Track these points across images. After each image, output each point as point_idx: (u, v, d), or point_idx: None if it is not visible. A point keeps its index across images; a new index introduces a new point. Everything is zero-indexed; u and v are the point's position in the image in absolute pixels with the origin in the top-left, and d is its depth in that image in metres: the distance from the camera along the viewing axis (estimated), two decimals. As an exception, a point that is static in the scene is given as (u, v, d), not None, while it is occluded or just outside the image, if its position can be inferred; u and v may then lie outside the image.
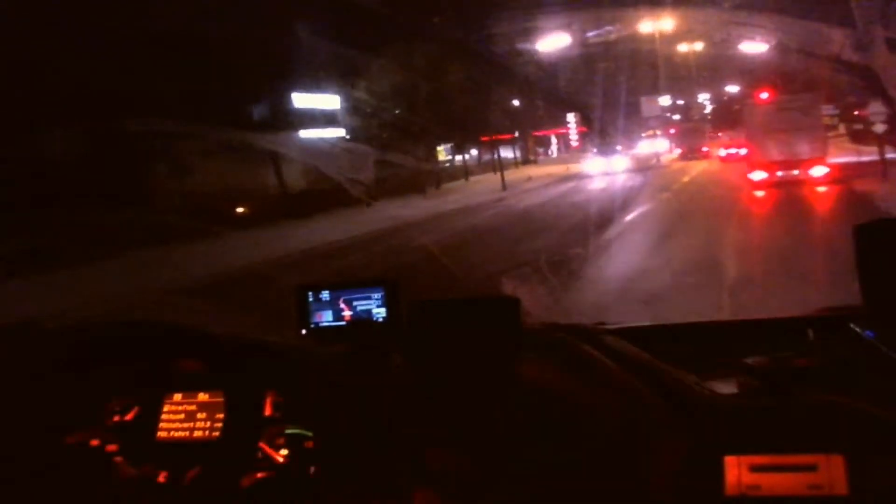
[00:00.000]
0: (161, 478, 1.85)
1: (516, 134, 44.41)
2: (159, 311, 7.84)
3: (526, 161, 46.76)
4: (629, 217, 15.29)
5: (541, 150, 53.40)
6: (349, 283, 1.98)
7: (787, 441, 1.41)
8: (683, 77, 42.33)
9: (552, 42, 29.57)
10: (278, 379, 1.91)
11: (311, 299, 1.99)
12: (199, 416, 1.95)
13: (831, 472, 1.35)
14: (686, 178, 26.30)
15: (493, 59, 28.67)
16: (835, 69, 18.55)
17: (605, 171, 29.64)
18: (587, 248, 10.83)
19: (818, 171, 18.07)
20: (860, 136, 26.90)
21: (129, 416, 2.01)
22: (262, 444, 1.85)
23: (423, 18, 25.49)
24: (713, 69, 41.89)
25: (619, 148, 34.16)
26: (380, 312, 1.93)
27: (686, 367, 1.74)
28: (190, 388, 1.99)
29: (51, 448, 1.93)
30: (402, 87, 26.71)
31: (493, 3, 26.10)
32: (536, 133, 50.51)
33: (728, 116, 44.14)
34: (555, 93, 39.14)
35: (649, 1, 27.03)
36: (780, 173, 18.34)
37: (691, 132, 41.71)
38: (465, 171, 35.31)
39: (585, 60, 33.85)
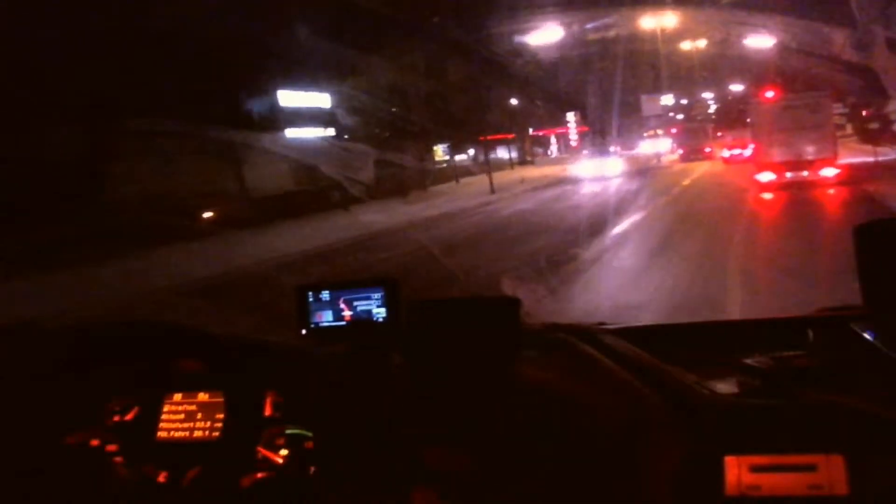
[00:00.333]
0: (161, 478, 1.86)
1: (513, 134, 43.66)
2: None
3: (523, 161, 45.83)
4: (617, 229, 13.53)
5: (540, 150, 52.63)
6: (349, 283, 1.98)
7: (787, 441, 1.41)
8: (686, 76, 41.88)
9: (551, 40, 29.11)
10: (278, 379, 1.91)
11: (311, 299, 2.00)
12: (198, 416, 1.95)
13: (831, 472, 1.34)
14: (686, 181, 24.56)
15: (490, 58, 28.06)
16: (835, 69, 18.40)
17: (598, 174, 27.77)
18: (560, 275, 9.06)
19: (828, 172, 17.21)
20: (870, 136, 26.05)
21: (129, 416, 2.01)
22: (261, 445, 1.85)
23: (419, 16, 24.85)
24: (716, 68, 41.22)
25: (613, 149, 32.21)
26: (380, 312, 1.94)
27: (686, 367, 1.74)
28: (190, 389, 2.00)
29: (51, 448, 1.93)
30: (395, 85, 26.16)
31: (491, 1, 25.62)
32: (536, 133, 49.72)
33: (732, 116, 42.75)
34: (554, 92, 38.39)
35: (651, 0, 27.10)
36: (788, 174, 17.52)
37: (693, 132, 39.99)
38: (455, 173, 33.44)
39: (585, 59, 33.42)
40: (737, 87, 46.41)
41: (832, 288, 5.65)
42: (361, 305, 1.95)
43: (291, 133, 24.98)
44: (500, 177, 29.51)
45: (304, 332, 1.99)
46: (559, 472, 1.51)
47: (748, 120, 30.00)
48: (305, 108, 25.70)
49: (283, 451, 1.83)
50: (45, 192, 13.81)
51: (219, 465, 1.84)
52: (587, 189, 24.21)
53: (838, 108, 26.09)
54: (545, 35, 28.44)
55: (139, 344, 2.06)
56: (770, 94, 20.16)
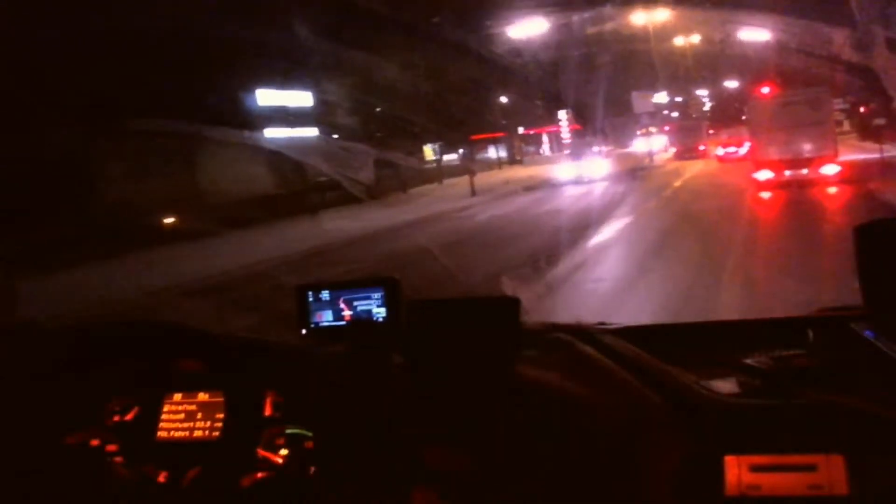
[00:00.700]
0: (161, 478, 1.86)
1: (503, 133, 42.54)
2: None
3: (513, 161, 44.49)
4: (596, 240, 11.99)
5: (532, 148, 51.08)
6: (349, 283, 1.98)
7: (787, 441, 1.41)
8: (682, 74, 40.86)
9: (541, 36, 28.23)
10: (278, 379, 1.91)
11: (311, 299, 2.00)
12: (198, 416, 1.95)
13: (831, 472, 1.35)
14: (678, 182, 23.20)
15: (479, 55, 27.33)
16: (835, 69, 18.23)
17: (584, 175, 25.73)
18: (529, 293, 7.59)
19: (829, 169, 16.66)
20: (872, 133, 25.37)
21: (129, 416, 2.01)
22: (261, 445, 1.85)
23: (404, 12, 23.98)
24: (712, 65, 40.15)
25: (598, 148, 29.79)
26: (380, 312, 1.93)
27: (686, 367, 1.74)
28: (190, 388, 2.00)
29: (51, 448, 1.93)
30: (380, 83, 25.34)
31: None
32: (528, 131, 48.14)
33: (728, 113, 41.94)
34: (545, 90, 37.24)
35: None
36: (787, 172, 16.94)
37: (687, 130, 38.68)
38: (440, 174, 31.80)
39: (576, 55, 32.03)
40: (732, 85, 45.37)
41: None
42: (361, 305, 1.95)
43: (271, 133, 23.98)
44: (485, 178, 28.67)
45: (304, 331, 1.99)
46: (559, 472, 1.51)
47: (744, 117, 29.07)
48: (285, 106, 24.89)
49: (283, 451, 1.83)
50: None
51: (219, 465, 1.84)
52: (571, 192, 22.64)
53: (837, 105, 25.54)
54: (535, 31, 27.55)
55: (139, 344, 2.06)
56: (768, 90, 20.08)
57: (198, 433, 1.93)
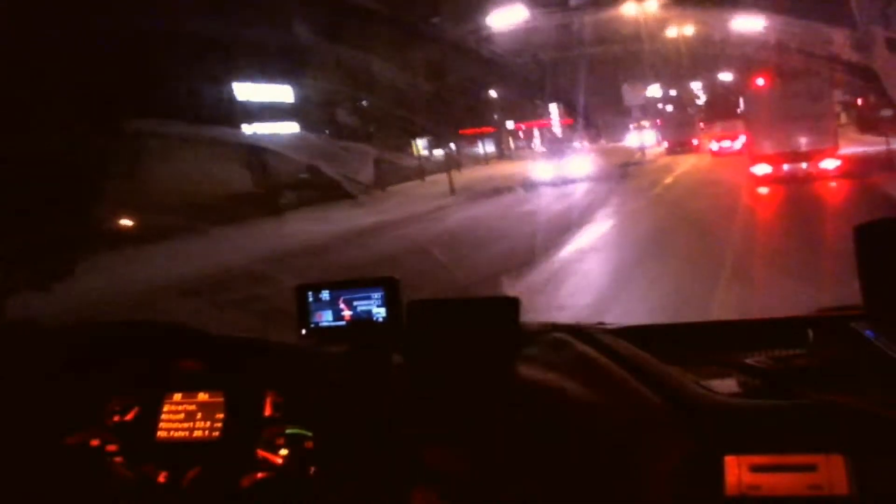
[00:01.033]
0: (161, 478, 1.86)
1: (489, 128, 40.93)
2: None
3: (502, 156, 43.14)
4: (572, 248, 10.85)
5: (523, 144, 49.45)
6: (349, 283, 1.98)
7: (787, 441, 1.41)
8: (676, 66, 39.41)
9: (529, 27, 27.22)
10: (278, 379, 1.91)
11: (311, 299, 2.00)
12: (198, 416, 1.95)
13: (831, 472, 1.35)
14: (669, 179, 21.67)
15: (466, 47, 26.42)
16: (835, 68, 17.90)
17: (562, 174, 23.28)
18: None
19: (829, 163, 15.88)
20: (874, 125, 24.81)
21: (129, 417, 2.01)
22: (261, 445, 1.85)
23: (386, 3, 22.88)
24: (708, 58, 38.81)
25: (579, 144, 27.45)
26: (380, 312, 1.94)
27: (686, 366, 1.75)
28: (190, 389, 2.00)
29: (51, 448, 1.93)
30: (364, 76, 24.53)
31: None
32: (519, 126, 46.63)
33: (722, 105, 39.22)
34: (534, 83, 35.57)
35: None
36: (785, 167, 16.21)
37: (679, 123, 36.84)
38: (423, 170, 29.57)
39: (568, 48, 31.03)
40: (728, 78, 43.42)
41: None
42: (361, 305, 1.95)
43: (248, 128, 23.04)
44: (470, 174, 27.76)
45: (304, 331, 2.00)
46: (559, 473, 1.52)
47: (738, 110, 27.83)
48: (263, 101, 23.70)
49: (283, 451, 1.83)
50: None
51: (219, 465, 1.84)
52: (550, 192, 20.56)
53: (839, 95, 24.75)
54: (523, 22, 26.87)
55: (139, 344, 2.06)
56: (760, 81, 18.85)
57: (198, 433, 1.93)
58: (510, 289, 7.86)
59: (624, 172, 25.15)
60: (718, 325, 2.20)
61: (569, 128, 39.38)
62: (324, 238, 14.83)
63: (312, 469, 1.75)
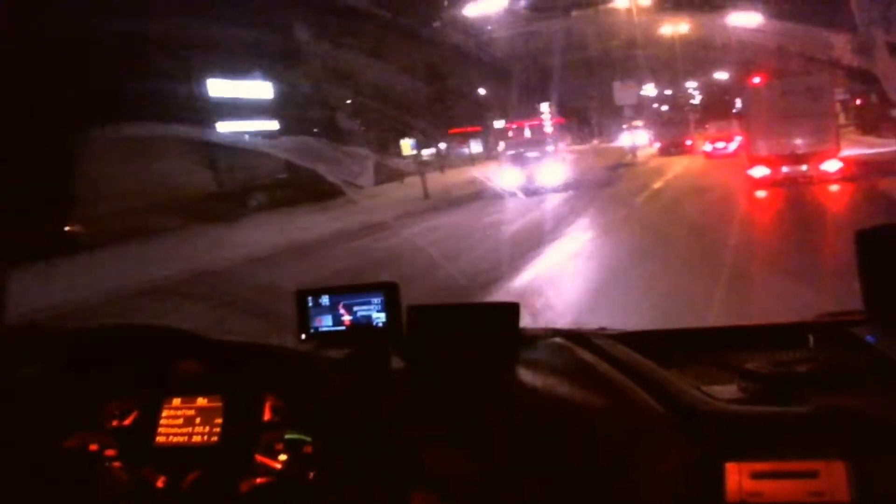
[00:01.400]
0: (160, 483, 1.85)
1: (477, 128, 39.19)
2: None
3: (490, 157, 40.70)
4: (532, 272, 9.35)
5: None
6: (349, 288, 1.98)
7: (788, 447, 1.41)
8: (671, 65, 39.36)
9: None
10: (277, 383, 1.91)
11: (310, 304, 2.00)
12: (197, 420, 1.95)
13: (832, 478, 1.34)
14: (658, 184, 20.05)
15: (453, 44, 25.87)
16: (835, 71, 17.66)
17: (539, 179, 20.51)
18: None
19: (830, 166, 15.10)
20: (871, 127, 24.64)
21: (127, 421, 2.00)
22: (260, 450, 1.85)
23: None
24: (705, 58, 38.50)
25: (550, 148, 23.76)
26: (379, 317, 1.93)
27: (686, 372, 1.75)
28: (189, 393, 1.99)
29: (49, 452, 1.93)
30: (347, 73, 23.81)
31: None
32: (509, 125, 45.28)
33: (718, 105, 38.66)
34: (523, 81, 34.32)
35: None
36: (784, 169, 15.38)
37: (672, 123, 35.60)
38: (401, 172, 27.73)
39: (559, 45, 30.60)
40: (724, 77, 42.55)
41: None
42: (361, 310, 1.95)
43: (224, 127, 22.02)
44: (452, 176, 26.53)
45: (303, 336, 2.00)
46: (558, 478, 1.51)
47: (734, 110, 27.90)
48: (242, 98, 22.56)
49: (282, 456, 1.83)
50: None
51: (217, 470, 1.84)
52: (526, 199, 18.52)
53: (840, 94, 23.85)
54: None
55: (138, 348, 2.06)
56: (763, 78, 18.11)
57: (196, 438, 1.93)
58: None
59: (610, 176, 23.61)
60: (719, 330, 2.20)
61: (562, 127, 38.68)
62: (264, 251, 13.35)
63: (312, 474, 1.75)
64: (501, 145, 33.82)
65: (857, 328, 1.68)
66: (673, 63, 39.00)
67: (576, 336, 1.84)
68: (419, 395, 1.73)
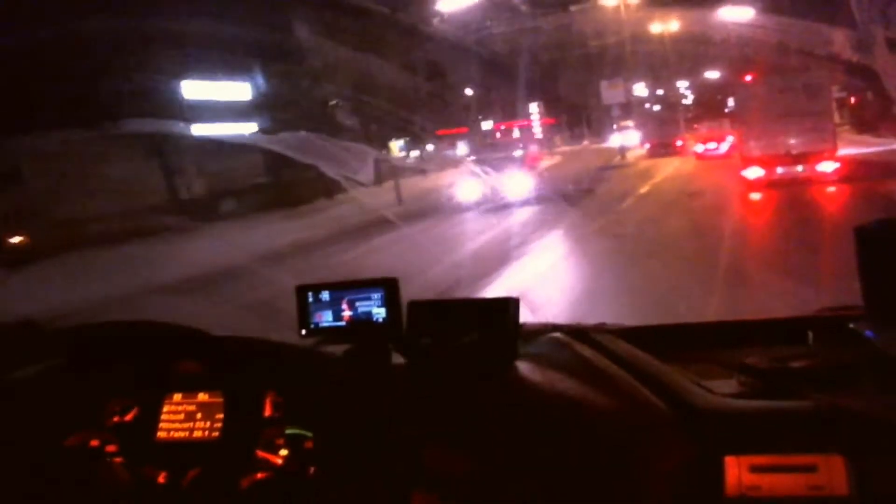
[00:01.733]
0: (161, 478, 1.86)
1: (463, 129, 37.21)
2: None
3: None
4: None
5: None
6: (349, 284, 1.98)
7: (787, 442, 1.42)
8: (662, 64, 38.53)
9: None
10: (278, 379, 1.91)
11: (311, 300, 2.00)
12: (198, 416, 1.95)
13: (831, 472, 1.35)
14: (645, 188, 18.67)
15: (441, 43, 25.08)
16: (834, 68, 17.48)
17: (516, 184, 18.33)
18: None
19: (827, 166, 14.60)
20: (867, 126, 24.05)
21: (128, 417, 2.01)
22: (261, 445, 1.85)
23: None
24: (698, 56, 37.26)
25: (518, 152, 21.38)
26: (380, 313, 1.93)
27: (686, 367, 1.75)
28: (189, 389, 1.99)
29: (51, 449, 1.93)
30: (331, 71, 22.97)
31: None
32: (498, 126, 42.56)
33: (710, 104, 37.90)
34: (514, 82, 33.65)
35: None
36: (779, 170, 14.79)
37: (662, 123, 33.87)
38: (379, 176, 25.63)
39: (550, 44, 30.44)
40: (716, 75, 41.42)
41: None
42: (362, 306, 1.94)
43: (201, 130, 20.56)
44: (433, 179, 24.98)
45: (303, 332, 2.00)
46: (559, 474, 1.52)
47: (726, 109, 27.28)
48: (218, 101, 21.37)
49: (283, 452, 1.83)
50: None
51: (218, 466, 1.84)
52: (500, 208, 16.67)
53: (837, 92, 23.26)
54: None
55: (139, 344, 2.06)
56: (757, 74, 17.82)
57: (197, 434, 1.93)
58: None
59: (594, 179, 22.05)
60: (718, 325, 2.21)
61: (551, 128, 37.85)
62: (182, 274, 11.48)
63: (312, 469, 1.75)
64: (461, 147, 32.34)
65: (857, 324, 1.69)
66: (665, 62, 38.28)
67: (576, 331, 1.85)
68: (419, 390, 1.74)
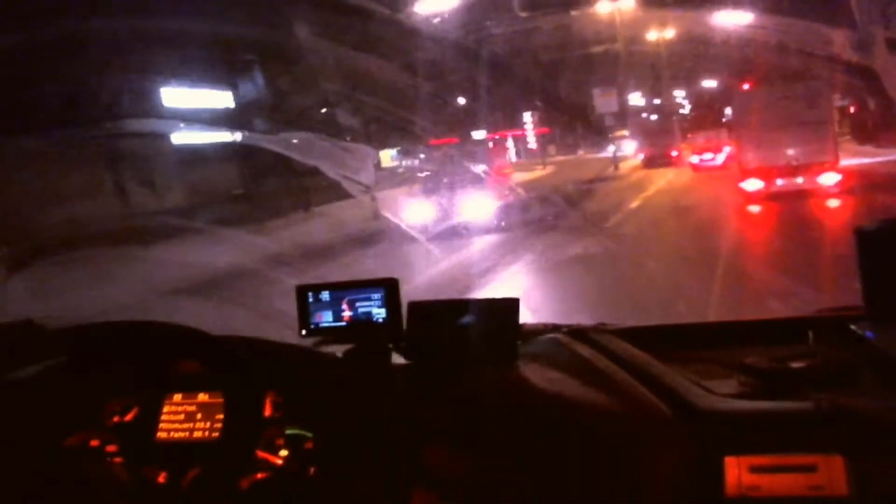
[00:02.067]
0: (161, 478, 1.85)
1: (447, 139, 34.86)
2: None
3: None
4: None
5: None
6: (349, 284, 1.98)
7: (787, 442, 1.42)
8: (658, 72, 37.76)
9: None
10: (278, 379, 1.91)
11: (311, 300, 2.00)
12: (198, 416, 1.95)
13: (831, 472, 1.35)
14: (636, 202, 17.34)
15: (432, 49, 23.78)
16: (834, 69, 17.28)
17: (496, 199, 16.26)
18: None
19: (829, 178, 14.02)
20: (868, 136, 23.48)
21: (128, 417, 2.00)
22: (261, 445, 1.85)
23: None
24: (695, 64, 36.19)
25: (481, 168, 19.04)
26: (380, 313, 1.94)
27: (686, 367, 1.75)
28: (190, 389, 1.99)
29: (51, 449, 1.93)
30: (317, 79, 21.77)
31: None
32: (492, 135, 40.14)
33: (706, 114, 37.05)
34: (503, 90, 32.47)
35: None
36: (779, 182, 14.19)
37: (657, 133, 32.92)
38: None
39: (545, 52, 29.59)
40: (713, 84, 40.81)
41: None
42: (362, 306, 1.95)
43: (180, 138, 19.50)
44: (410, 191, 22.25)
45: (304, 332, 2.00)
46: (559, 474, 1.52)
47: (724, 119, 26.88)
48: (199, 108, 19.95)
49: (283, 452, 1.83)
50: None
51: (218, 466, 1.84)
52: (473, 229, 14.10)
53: (838, 101, 22.59)
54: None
55: (139, 344, 2.06)
56: (756, 82, 17.37)
57: (197, 434, 1.93)
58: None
59: (582, 193, 20.73)
60: (719, 325, 2.21)
61: (545, 137, 36.54)
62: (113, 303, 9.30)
63: (312, 470, 1.75)
64: (401, 160, 30.24)
65: (857, 324, 1.69)
66: (661, 70, 37.55)
67: (575, 331, 1.85)
68: (419, 390, 1.74)
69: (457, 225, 14.19)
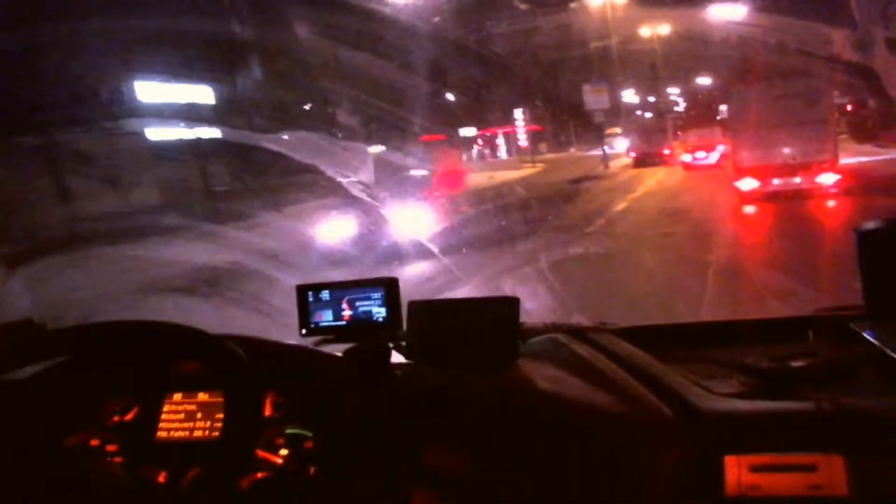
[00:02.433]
0: (161, 478, 1.85)
1: (434, 136, 34.14)
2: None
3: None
4: None
5: (487, 151, 43.00)
6: (350, 283, 1.98)
7: (787, 441, 1.42)
8: (653, 69, 37.74)
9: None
10: (278, 379, 1.90)
11: (311, 299, 2.00)
12: (198, 416, 1.95)
13: (831, 472, 1.35)
14: (622, 204, 16.38)
15: (422, 44, 23.39)
16: (833, 68, 17.14)
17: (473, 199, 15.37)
18: None
19: (827, 178, 13.59)
20: (868, 135, 23.01)
21: (128, 417, 2.00)
22: (261, 445, 1.85)
23: None
24: (692, 61, 36.13)
25: (421, 172, 17.27)
26: (380, 312, 1.94)
27: (686, 367, 1.75)
28: (190, 388, 1.99)
29: (50, 449, 1.92)
30: (303, 74, 21.65)
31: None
32: (483, 132, 41.34)
33: (700, 111, 36.42)
34: (494, 87, 32.81)
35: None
36: (776, 181, 13.78)
37: (648, 131, 31.70)
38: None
39: (537, 49, 29.58)
40: (708, 82, 40.52)
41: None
42: (362, 305, 1.95)
43: (155, 134, 18.89)
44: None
45: (304, 331, 1.99)
46: (559, 473, 1.52)
47: (718, 117, 26.55)
48: (175, 103, 19.46)
49: (283, 452, 1.83)
50: None
51: (219, 466, 1.84)
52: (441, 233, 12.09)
53: (838, 98, 20.99)
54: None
55: (139, 344, 2.05)
56: (752, 78, 16.96)
57: (198, 433, 1.93)
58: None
59: (567, 194, 19.86)
60: (718, 325, 2.21)
61: (536, 134, 35.77)
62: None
63: (312, 469, 1.75)
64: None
65: (857, 323, 1.69)
66: (656, 66, 37.35)
67: (575, 331, 1.85)
68: (419, 390, 1.74)
69: (374, 247, 11.05)
